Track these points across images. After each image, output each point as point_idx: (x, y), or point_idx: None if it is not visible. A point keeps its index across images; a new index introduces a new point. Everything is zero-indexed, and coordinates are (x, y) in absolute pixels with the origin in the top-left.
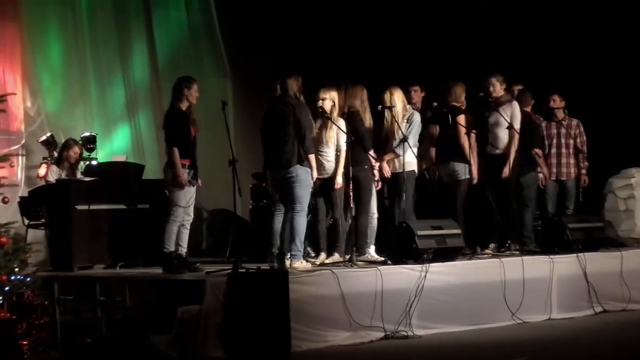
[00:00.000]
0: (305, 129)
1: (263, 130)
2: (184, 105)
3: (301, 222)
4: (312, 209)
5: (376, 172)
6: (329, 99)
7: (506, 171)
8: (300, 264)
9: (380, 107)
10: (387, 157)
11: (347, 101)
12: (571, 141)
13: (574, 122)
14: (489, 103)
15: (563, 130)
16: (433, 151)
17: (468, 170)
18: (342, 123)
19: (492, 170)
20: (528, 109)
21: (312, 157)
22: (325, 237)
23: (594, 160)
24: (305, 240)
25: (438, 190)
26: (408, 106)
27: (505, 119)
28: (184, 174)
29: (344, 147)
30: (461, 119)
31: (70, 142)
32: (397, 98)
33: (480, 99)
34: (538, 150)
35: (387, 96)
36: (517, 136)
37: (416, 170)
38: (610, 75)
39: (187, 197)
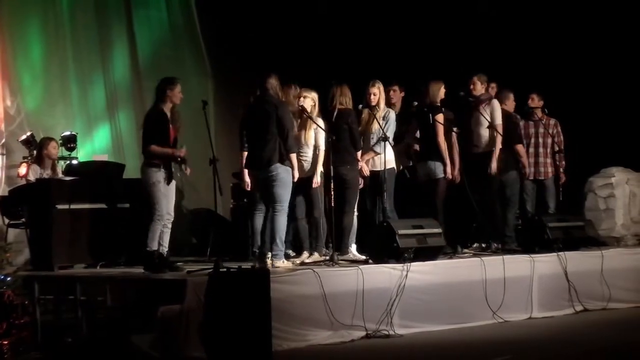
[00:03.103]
0: (288, 128)
1: (244, 129)
2: (166, 107)
3: (282, 221)
4: (291, 209)
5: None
6: (310, 99)
7: (493, 168)
8: (282, 263)
9: (361, 105)
10: (367, 156)
11: (339, 99)
12: (549, 140)
13: (552, 121)
14: (470, 102)
15: (541, 130)
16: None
17: (445, 169)
18: (321, 122)
19: (474, 169)
20: (506, 107)
21: (293, 156)
22: (305, 236)
23: (575, 160)
24: (286, 240)
25: (416, 190)
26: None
27: (486, 118)
28: (174, 152)
29: (323, 147)
30: (439, 117)
31: (46, 140)
32: (382, 93)
33: (461, 98)
34: (519, 146)
35: (375, 90)
36: (498, 134)
37: (395, 168)
38: (590, 75)
39: (168, 195)
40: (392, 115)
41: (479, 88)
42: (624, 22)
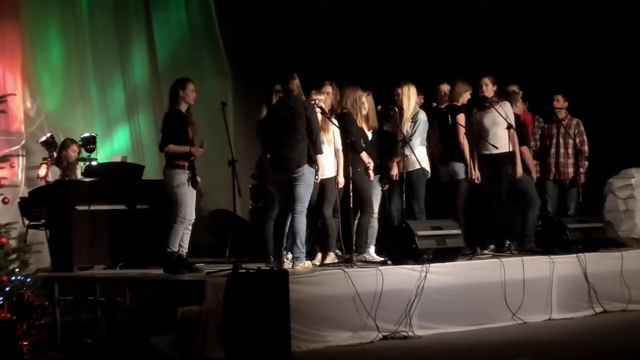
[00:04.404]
0: (317, 129)
1: (269, 131)
2: (182, 107)
3: (302, 223)
4: (308, 210)
5: (371, 173)
6: (327, 99)
7: (519, 171)
8: (302, 265)
9: (380, 107)
10: (396, 158)
11: (341, 102)
12: (570, 141)
13: (574, 121)
14: (484, 103)
15: (562, 130)
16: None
17: (467, 170)
18: (336, 123)
19: (491, 170)
20: (515, 109)
21: (319, 157)
22: (323, 236)
23: (594, 161)
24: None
25: (439, 191)
26: (416, 104)
27: (505, 119)
28: (191, 150)
29: (340, 147)
30: (460, 118)
31: (68, 142)
32: (412, 94)
33: (479, 99)
34: (524, 148)
35: (399, 90)
36: (514, 135)
37: (427, 169)
38: (610, 76)
39: (191, 197)
40: (422, 116)
41: (490, 90)
42: None
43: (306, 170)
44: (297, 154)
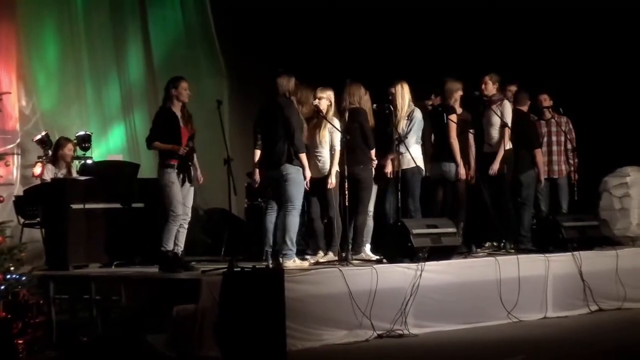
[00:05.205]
0: (295, 129)
1: (258, 129)
2: (175, 106)
3: (293, 221)
4: (306, 208)
5: (373, 171)
6: (326, 98)
7: (494, 168)
8: (293, 262)
9: (375, 105)
10: (391, 156)
11: (349, 98)
12: (562, 138)
13: (563, 119)
14: (483, 102)
15: (553, 128)
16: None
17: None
18: (336, 122)
19: (486, 169)
20: (524, 109)
21: (303, 156)
22: (320, 236)
23: (590, 159)
24: (302, 238)
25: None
26: (411, 102)
27: (499, 117)
28: (173, 147)
29: (338, 147)
30: (453, 118)
31: (62, 141)
32: (405, 92)
33: (476, 98)
34: (537, 151)
35: (392, 89)
36: (507, 134)
37: (422, 167)
38: (605, 74)
39: (184, 195)
40: (417, 114)
41: (490, 88)
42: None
43: (290, 169)
44: (277, 153)
